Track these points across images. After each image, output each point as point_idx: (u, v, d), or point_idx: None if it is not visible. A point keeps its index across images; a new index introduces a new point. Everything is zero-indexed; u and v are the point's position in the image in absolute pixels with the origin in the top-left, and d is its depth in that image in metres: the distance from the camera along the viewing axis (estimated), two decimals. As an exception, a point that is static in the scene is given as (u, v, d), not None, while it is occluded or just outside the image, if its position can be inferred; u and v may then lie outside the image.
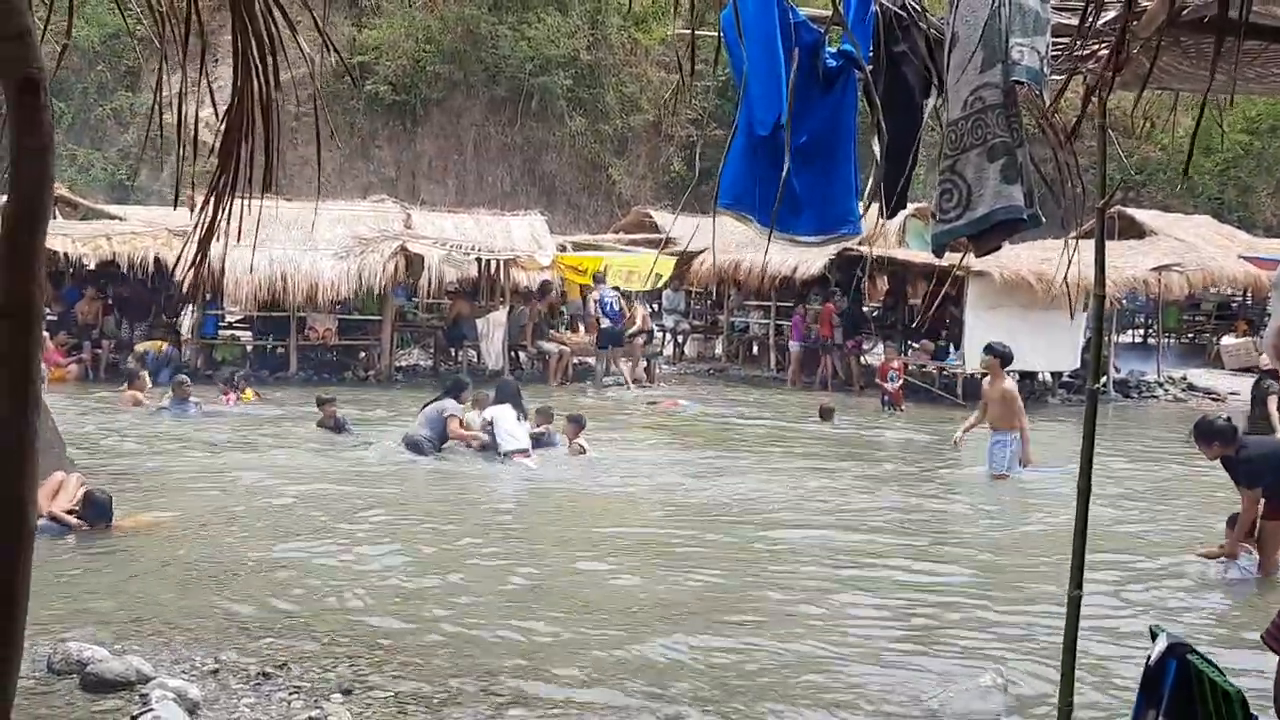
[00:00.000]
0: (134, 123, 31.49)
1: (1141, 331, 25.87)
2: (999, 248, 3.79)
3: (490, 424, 12.25)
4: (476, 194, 32.07)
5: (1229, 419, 8.03)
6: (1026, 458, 11.20)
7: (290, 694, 5.33)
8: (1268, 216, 35.45)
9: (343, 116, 31.92)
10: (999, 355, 11.32)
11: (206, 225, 2.62)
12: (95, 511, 8.37)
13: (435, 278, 20.02)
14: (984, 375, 12.87)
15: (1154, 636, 3.14)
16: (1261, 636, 2.41)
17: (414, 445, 12.24)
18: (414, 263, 19.37)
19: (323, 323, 19.35)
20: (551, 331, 20.85)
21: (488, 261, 20.45)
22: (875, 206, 4.28)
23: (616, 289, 20.96)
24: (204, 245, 2.63)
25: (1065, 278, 4.09)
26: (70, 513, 8.34)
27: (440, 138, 34.37)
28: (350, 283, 18.22)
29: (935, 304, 17.28)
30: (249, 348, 20.34)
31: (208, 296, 17.63)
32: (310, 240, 18.78)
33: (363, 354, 20.12)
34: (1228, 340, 23.84)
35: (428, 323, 21.38)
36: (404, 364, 21.16)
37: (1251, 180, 35.89)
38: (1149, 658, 3.12)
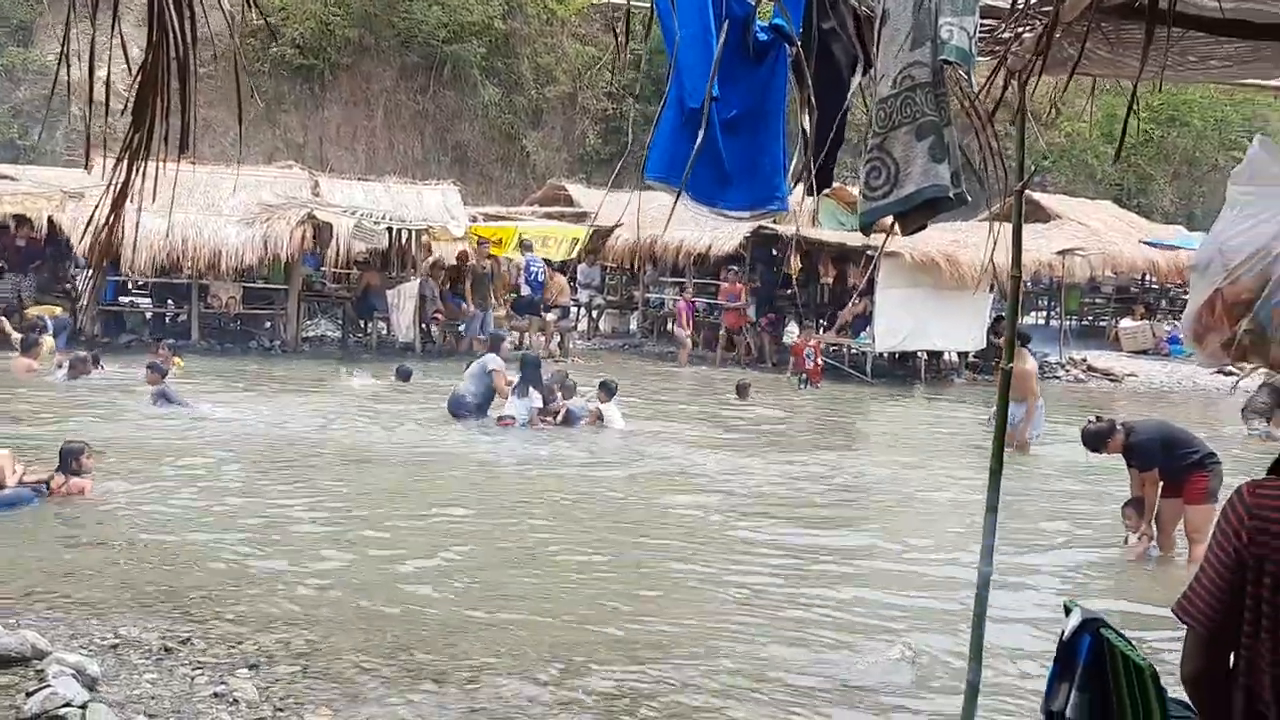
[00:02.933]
0: (26, 80, 30.16)
1: (1044, 314, 26.57)
2: (924, 226, 3.81)
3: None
4: (387, 162, 31.44)
5: (1099, 418, 8.35)
6: (1023, 437, 11.74)
7: (194, 669, 5.19)
8: (1165, 204, 36.55)
9: (248, 79, 30.95)
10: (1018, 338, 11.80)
11: (120, 187, 2.48)
12: (63, 459, 8.48)
13: (344, 247, 19.63)
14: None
15: (1068, 611, 3.19)
16: (1172, 609, 2.48)
17: (458, 406, 12.28)
18: (322, 231, 18.96)
19: (227, 291, 18.85)
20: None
21: (399, 231, 20.09)
22: (802, 184, 4.27)
23: (546, 260, 20.83)
24: (117, 207, 2.49)
25: (990, 258, 4.13)
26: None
27: (349, 104, 33.59)
28: (255, 250, 17.75)
29: (865, 284, 17.50)
30: (148, 315, 19.76)
31: (105, 261, 16.95)
32: (214, 205, 18.28)
33: (268, 324, 19.66)
34: (1126, 323, 24.64)
35: (336, 293, 20.93)
36: (311, 335, 20.74)
37: (1151, 168, 36.97)
38: (1063, 632, 3.18)
